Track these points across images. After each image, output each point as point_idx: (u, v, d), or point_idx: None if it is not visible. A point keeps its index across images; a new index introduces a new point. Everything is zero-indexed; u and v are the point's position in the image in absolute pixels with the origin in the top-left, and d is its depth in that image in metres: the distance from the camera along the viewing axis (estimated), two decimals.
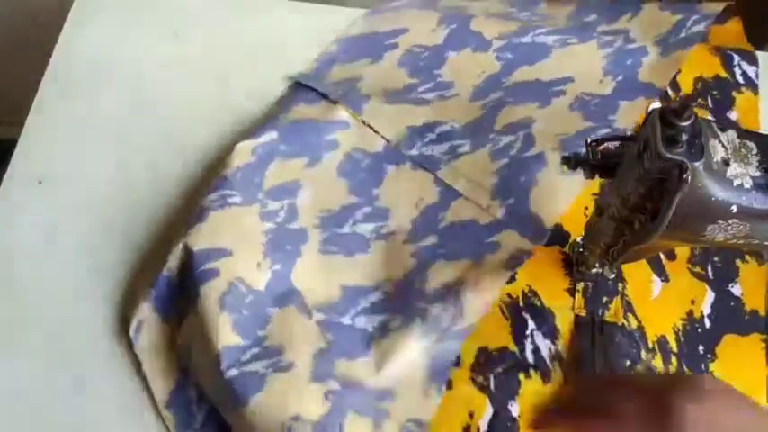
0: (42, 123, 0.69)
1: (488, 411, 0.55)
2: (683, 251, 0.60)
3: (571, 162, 0.49)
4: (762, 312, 0.57)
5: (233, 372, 0.53)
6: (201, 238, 0.57)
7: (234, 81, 0.72)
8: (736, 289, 0.58)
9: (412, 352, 0.55)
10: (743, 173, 0.41)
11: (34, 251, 0.63)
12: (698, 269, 0.59)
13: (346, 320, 0.57)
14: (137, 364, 0.58)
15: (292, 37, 0.74)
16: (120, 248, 0.63)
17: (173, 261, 0.58)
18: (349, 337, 0.57)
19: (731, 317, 0.57)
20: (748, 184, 0.41)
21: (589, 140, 0.48)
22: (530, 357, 0.56)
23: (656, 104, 0.42)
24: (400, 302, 0.57)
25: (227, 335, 0.54)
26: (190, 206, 0.63)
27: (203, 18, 0.75)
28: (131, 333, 0.58)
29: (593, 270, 0.56)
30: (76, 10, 0.75)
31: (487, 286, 0.56)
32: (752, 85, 0.67)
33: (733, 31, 0.69)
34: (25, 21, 1.07)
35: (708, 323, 0.57)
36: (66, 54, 0.72)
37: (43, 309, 0.61)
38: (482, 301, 0.56)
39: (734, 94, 0.66)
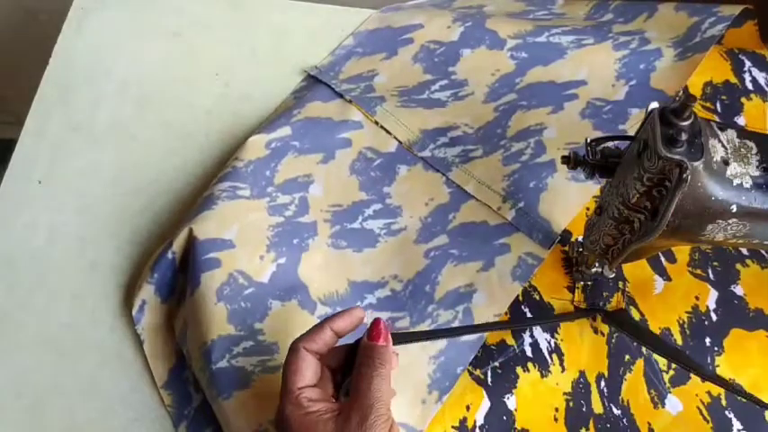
0: (42, 123, 0.69)
1: (485, 404, 0.55)
2: (682, 256, 0.59)
3: (571, 161, 0.49)
4: (766, 311, 0.57)
5: (222, 363, 0.53)
6: (207, 228, 0.57)
7: (234, 81, 0.72)
8: (738, 290, 0.58)
9: (418, 358, 0.55)
10: (743, 172, 0.41)
11: (34, 251, 0.63)
12: (699, 272, 0.59)
13: None
14: (140, 356, 0.59)
15: (292, 37, 0.74)
16: (120, 248, 0.63)
17: (177, 244, 0.58)
18: (354, 333, 0.56)
19: (736, 313, 0.57)
20: (748, 183, 0.41)
21: (589, 140, 0.48)
22: (528, 351, 0.56)
23: (655, 104, 0.42)
24: (409, 302, 0.58)
25: (221, 325, 0.54)
26: (190, 206, 0.63)
27: (203, 18, 0.75)
28: (134, 313, 0.58)
29: (593, 269, 0.56)
30: (76, 10, 0.75)
31: (498, 300, 0.56)
32: (761, 91, 0.66)
33: (749, 34, 0.69)
34: (25, 21, 1.07)
35: (714, 317, 0.57)
36: (66, 54, 0.72)
37: (43, 309, 0.61)
38: (491, 315, 0.56)
39: (743, 100, 0.66)
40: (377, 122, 0.66)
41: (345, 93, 0.68)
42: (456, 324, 0.56)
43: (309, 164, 0.64)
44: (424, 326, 0.56)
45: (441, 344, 0.55)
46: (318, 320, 0.56)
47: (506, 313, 0.58)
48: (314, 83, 0.70)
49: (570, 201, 0.59)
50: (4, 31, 1.09)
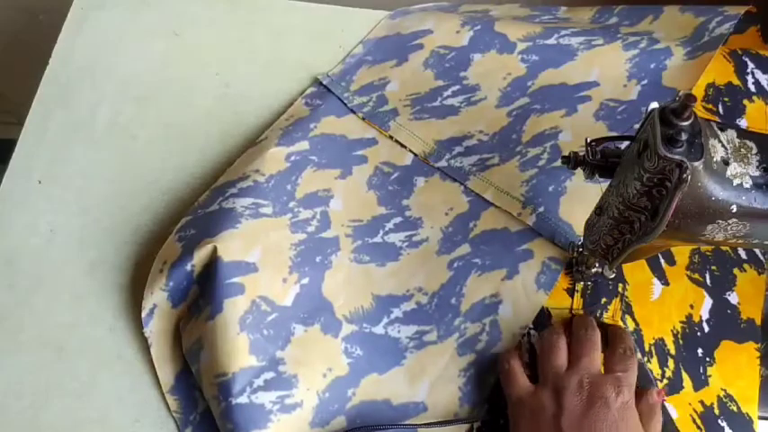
0: (42, 123, 0.69)
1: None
2: (681, 258, 0.60)
3: (571, 162, 0.49)
4: (758, 322, 0.57)
5: (242, 399, 0.53)
6: (231, 248, 0.57)
7: (234, 81, 0.72)
8: (732, 297, 0.58)
9: (448, 371, 0.56)
10: (743, 172, 0.41)
11: (34, 251, 0.63)
12: (696, 276, 0.59)
13: (379, 330, 0.58)
14: (140, 356, 0.59)
15: (292, 37, 0.74)
16: (120, 248, 0.63)
17: (198, 258, 0.57)
18: (381, 348, 0.57)
19: (728, 324, 0.57)
20: (748, 183, 0.41)
21: (589, 140, 0.48)
22: (525, 356, 0.56)
23: (655, 104, 0.42)
24: (435, 315, 0.58)
25: (243, 357, 0.54)
26: (190, 205, 0.63)
27: (203, 18, 0.75)
28: (143, 316, 0.58)
29: (593, 269, 0.56)
30: (76, 10, 0.75)
31: (524, 311, 0.57)
32: (763, 93, 0.66)
33: (752, 39, 0.69)
34: (25, 21, 1.07)
35: (707, 328, 0.57)
36: (66, 54, 0.72)
37: (43, 309, 0.61)
38: (517, 327, 0.56)
39: (745, 102, 0.66)
40: (391, 137, 0.66)
41: (357, 108, 0.68)
42: (484, 337, 0.56)
43: (328, 178, 0.64)
44: (452, 340, 0.56)
45: (470, 357, 0.56)
46: (342, 343, 0.57)
47: None
48: (326, 92, 0.70)
49: (590, 202, 0.59)
50: (4, 31, 1.09)
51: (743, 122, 0.65)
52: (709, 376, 0.55)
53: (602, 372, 0.52)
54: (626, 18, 0.72)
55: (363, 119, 0.67)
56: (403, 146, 0.66)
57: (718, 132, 0.41)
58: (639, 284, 0.58)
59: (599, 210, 0.49)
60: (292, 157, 0.64)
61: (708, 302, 0.58)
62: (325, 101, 0.68)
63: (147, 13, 0.75)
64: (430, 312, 0.58)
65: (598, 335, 0.54)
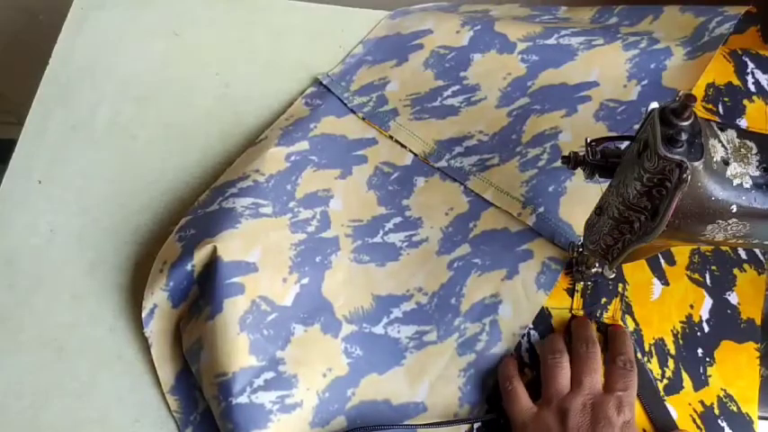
0: (42, 123, 0.69)
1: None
2: (681, 259, 0.60)
3: (571, 162, 0.49)
4: (758, 322, 0.57)
5: (242, 399, 0.53)
6: (231, 248, 0.57)
7: (234, 81, 0.72)
8: (732, 297, 0.58)
9: (448, 371, 0.56)
10: (743, 172, 0.41)
11: (34, 251, 0.63)
12: (696, 276, 0.59)
13: (379, 330, 0.58)
14: (140, 356, 0.59)
15: (292, 37, 0.74)
16: (120, 248, 0.63)
17: (198, 258, 0.57)
18: (381, 348, 0.57)
19: (728, 324, 0.57)
20: (748, 183, 0.41)
21: (589, 140, 0.48)
22: (525, 357, 0.56)
23: (655, 104, 0.42)
24: (435, 315, 0.58)
25: (243, 357, 0.54)
26: (190, 205, 0.63)
27: (203, 17, 0.75)
28: (143, 316, 0.58)
29: (593, 269, 0.56)
30: (76, 10, 0.75)
31: (524, 311, 0.57)
32: (763, 93, 0.66)
33: (752, 39, 0.69)
34: (25, 21, 1.07)
35: (707, 328, 0.57)
36: (65, 54, 0.72)
37: (43, 308, 0.61)
38: (517, 327, 0.57)
39: (745, 102, 0.66)
40: (391, 137, 0.66)
41: (357, 109, 0.68)
42: (484, 337, 0.56)
43: (328, 179, 0.64)
44: (452, 340, 0.57)
45: (470, 357, 0.56)
46: (342, 343, 0.57)
47: None
48: (326, 92, 0.70)
49: (590, 202, 0.59)
50: (4, 31, 1.09)
51: (743, 122, 0.65)
52: (710, 376, 0.55)
53: (604, 378, 0.53)
54: (626, 18, 0.72)
55: (363, 119, 0.67)
56: (403, 146, 0.66)
57: (718, 132, 0.41)
58: (639, 284, 0.58)
59: (599, 210, 0.49)
60: (292, 157, 0.64)
61: (708, 302, 0.58)
62: (325, 101, 0.68)
63: (147, 13, 0.75)
64: (430, 312, 0.58)
65: (598, 349, 0.54)
